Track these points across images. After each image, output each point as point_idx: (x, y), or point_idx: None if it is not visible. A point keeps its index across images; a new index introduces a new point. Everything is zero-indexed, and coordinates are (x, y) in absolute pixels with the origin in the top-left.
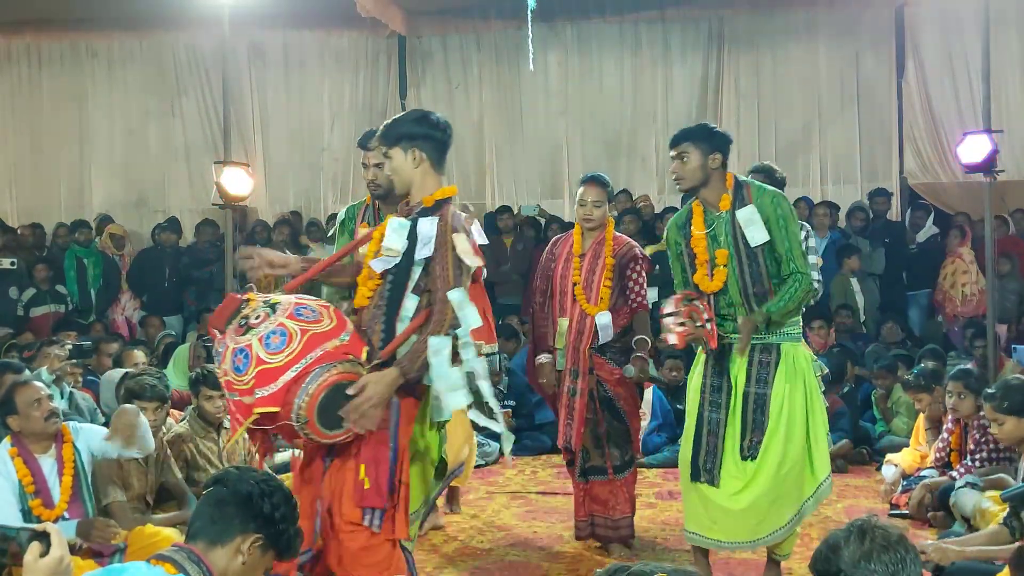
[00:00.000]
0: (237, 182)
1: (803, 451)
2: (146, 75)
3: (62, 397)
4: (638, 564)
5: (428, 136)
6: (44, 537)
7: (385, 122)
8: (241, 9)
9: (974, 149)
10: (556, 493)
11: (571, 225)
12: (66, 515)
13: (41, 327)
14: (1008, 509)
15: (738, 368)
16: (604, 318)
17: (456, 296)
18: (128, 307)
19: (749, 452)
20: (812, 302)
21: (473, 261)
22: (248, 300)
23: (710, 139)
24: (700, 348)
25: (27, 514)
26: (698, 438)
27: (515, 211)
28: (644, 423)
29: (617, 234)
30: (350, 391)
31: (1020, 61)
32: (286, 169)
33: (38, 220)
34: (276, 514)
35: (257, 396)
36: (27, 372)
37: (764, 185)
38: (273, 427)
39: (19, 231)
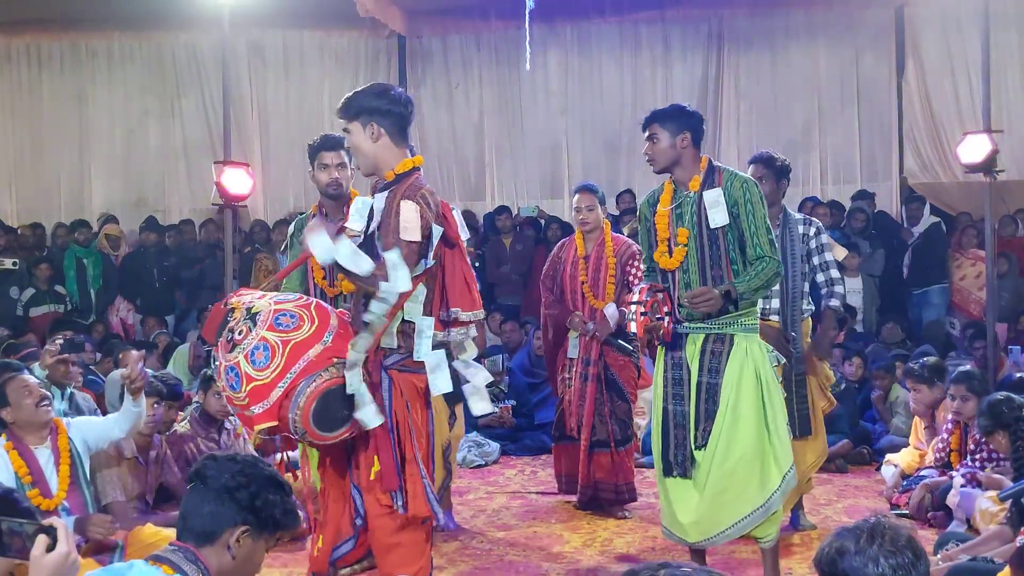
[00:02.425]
0: (237, 182)
1: (758, 442)
2: (146, 75)
3: (63, 398)
4: (663, 566)
5: (388, 111)
6: (51, 532)
7: (346, 98)
8: (241, 9)
9: (974, 149)
10: (556, 493)
11: (570, 225)
12: (65, 504)
13: (41, 327)
14: (1008, 508)
15: (691, 358)
16: (611, 308)
17: (391, 256)
18: (122, 308)
19: (701, 441)
20: (836, 302)
21: (409, 234)
22: (233, 309)
23: (678, 120)
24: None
25: None
26: (666, 432)
27: (514, 212)
28: (643, 422)
29: (615, 234)
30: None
31: (1020, 61)
32: (286, 169)
33: (38, 220)
34: (257, 501)
35: (254, 413)
36: (27, 372)
37: (736, 171)
38: (281, 435)
39: (19, 231)
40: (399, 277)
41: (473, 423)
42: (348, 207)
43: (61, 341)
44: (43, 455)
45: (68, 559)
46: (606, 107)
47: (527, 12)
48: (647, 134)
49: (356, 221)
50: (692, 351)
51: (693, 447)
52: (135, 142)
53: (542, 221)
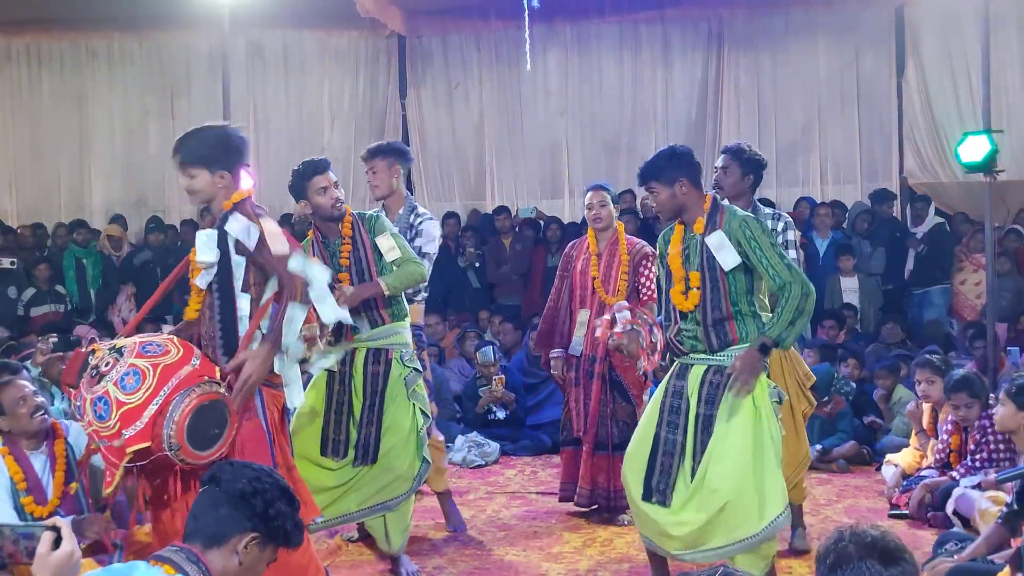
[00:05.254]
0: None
1: (745, 472)
2: (145, 75)
3: (63, 398)
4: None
5: (233, 157)
6: (55, 530)
7: (185, 138)
8: (241, 9)
9: (974, 149)
10: (556, 493)
11: (571, 226)
12: (60, 511)
13: (41, 327)
14: (1013, 495)
15: (692, 389)
16: (622, 306)
17: (297, 262)
18: (124, 308)
19: (693, 473)
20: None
21: (280, 248)
22: (94, 351)
23: (669, 168)
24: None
25: (20, 511)
26: (653, 457)
27: (514, 212)
28: None
29: (628, 236)
30: (229, 367)
31: (1020, 61)
32: (286, 169)
33: (38, 220)
34: (270, 510)
35: (126, 436)
36: (25, 372)
37: (736, 209)
38: (147, 462)
39: (19, 231)
40: (315, 273)
41: (474, 424)
42: (342, 226)
43: (54, 339)
44: (39, 461)
45: (72, 557)
46: (606, 107)
47: (526, 12)
48: (645, 189)
49: (206, 254)
50: (694, 383)
51: (688, 479)
52: (135, 142)
53: (541, 222)
